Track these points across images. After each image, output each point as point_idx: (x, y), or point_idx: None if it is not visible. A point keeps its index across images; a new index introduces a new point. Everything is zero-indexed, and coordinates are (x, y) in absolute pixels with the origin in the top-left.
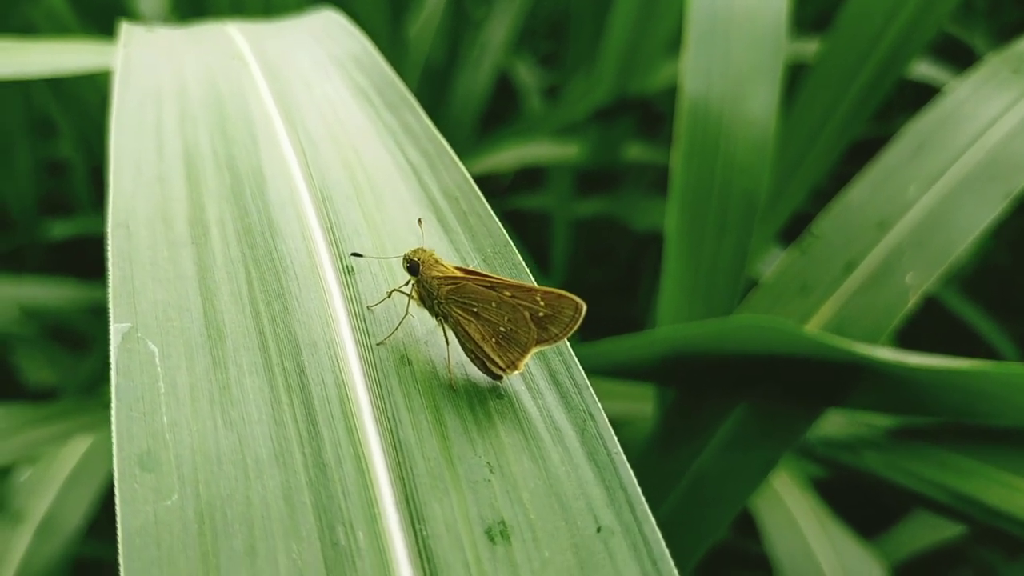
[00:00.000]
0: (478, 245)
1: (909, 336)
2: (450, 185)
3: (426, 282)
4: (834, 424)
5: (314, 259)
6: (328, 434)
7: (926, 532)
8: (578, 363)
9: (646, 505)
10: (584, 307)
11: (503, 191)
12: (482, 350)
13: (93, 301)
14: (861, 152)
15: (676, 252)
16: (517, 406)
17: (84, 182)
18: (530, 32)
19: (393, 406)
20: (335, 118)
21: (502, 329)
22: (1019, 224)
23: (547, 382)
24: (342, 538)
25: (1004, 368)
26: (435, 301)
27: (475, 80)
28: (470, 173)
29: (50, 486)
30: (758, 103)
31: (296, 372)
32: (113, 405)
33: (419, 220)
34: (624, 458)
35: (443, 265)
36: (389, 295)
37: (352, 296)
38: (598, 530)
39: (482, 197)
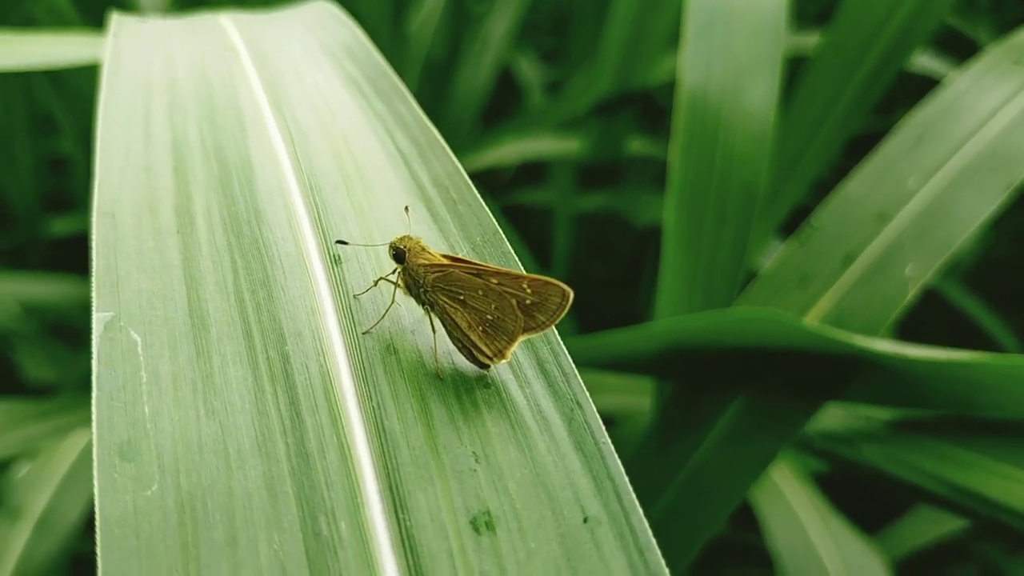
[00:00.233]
0: (467, 234)
1: (909, 329)
2: (440, 174)
3: (412, 270)
4: (833, 417)
5: (301, 248)
6: (312, 423)
7: (928, 527)
8: (566, 351)
9: (633, 495)
10: (571, 294)
11: (505, 186)
12: (469, 339)
13: None
14: (862, 146)
15: (675, 244)
16: (504, 395)
17: (85, 179)
18: (532, 27)
19: (378, 395)
20: (325, 107)
21: (489, 317)
22: (1020, 216)
23: (535, 371)
24: (324, 528)
25: (1004, 360)
26: (421, 289)
27: (476, 75)
28: (472, 168)
29: (49, 482)
30: (757, 95)
31: (280, 361)
32: (94, 394)
33: (406, 208)
34: (612, 447)
35: (429, 253)
36: (375, 283)
37: (338, 285)
38: (584, 520)
39: (472, 186)
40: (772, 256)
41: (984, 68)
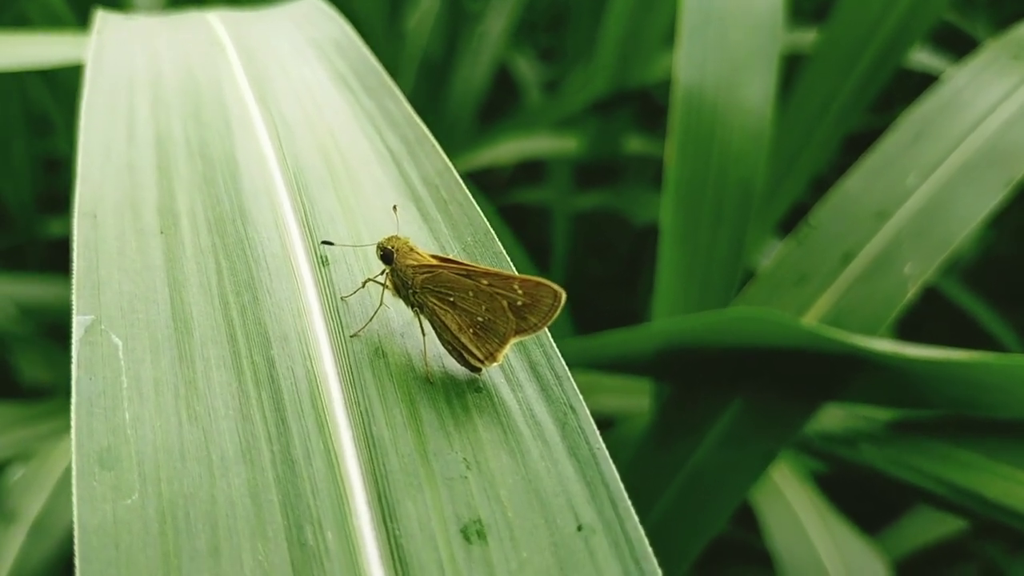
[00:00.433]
0: (458, 234)
1: (909, 327)
2: (430, 172)
3: (400, 271)
4: (832, 418)
5: (287, 248)
6: (297, 429)
7: (928, 527)
8: (559, 353)
9: (628, 502)
10: (563, 295)
11: (503, 185)
12: (459, 341)
13: None
14: (860, 144)
15: (671, 243)
16: (496, 399)
17: None
18: (530, 25)
19: (366, 400)
20: (313, 104)
21: (480, 319)
22: (1021, 213)
23: (527, 374)
24: (310, 538)
25: (1006, 360)
26: (410, 291)
27: (473, 73)
28: (469, 167)
29: (44, 485)
30: (754, 91)
31: (265, 365)
32: (73, 400)
33: (394, 207)
34: (606, 453)
35: (418, 253)
36: (363, 285)
37: (326, 287)
38: (578, 528)
39: (463, 185)
40: (770, 255)
41: (983, 64)
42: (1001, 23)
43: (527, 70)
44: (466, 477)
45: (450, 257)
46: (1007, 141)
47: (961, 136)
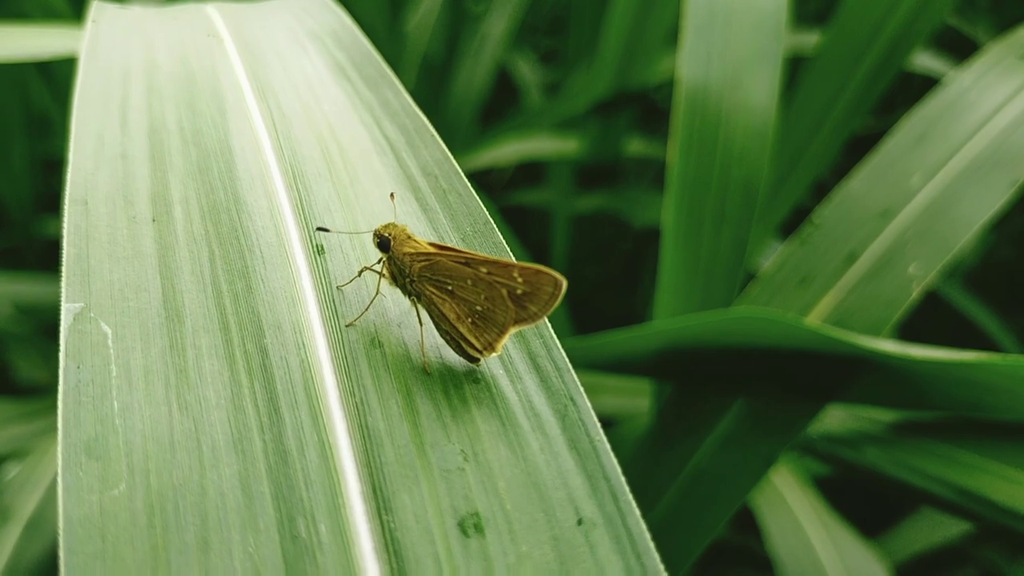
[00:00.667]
0: (457, 224)
1: (910, 330)
2: (429, 162)
3: (397, 259)
4: (835, 419)
5: (282, 237)
6: (291, 420)
7: (929, 531)
8: (559, 344)
9: (630, 496)
10: (565, 283)
11: (503, 186)
12: (457, 331)
13: None
14: (861, 147)
15: (674, 243)
16: (494, 390)
17: None
18: (531, 28)
19: (362, 391)
20: (310, 93)
21: (478, 308)
22: (1022, 218)
23: (526, 365)
24: (303, 530)
25: (1011, 361)
26: (407, 279)
27: (474, 74)
28: (469, 168)
29: (39, 483)
30: (758, 89)
31: (259, 355)
32: (60, 389)
33: (391, 195)
34: (607, 446)
35: (415, 241)
36: (360, 274)
37: (321, 275)
38: (579, 522)
39: (462, 175)
40: (771, 257)
41: (987, 64)
42: (1002, 26)
43: (527, 72)
44: (463, 469)
45: (448, 245)
46: (1012, 142)
47: (966, 137)
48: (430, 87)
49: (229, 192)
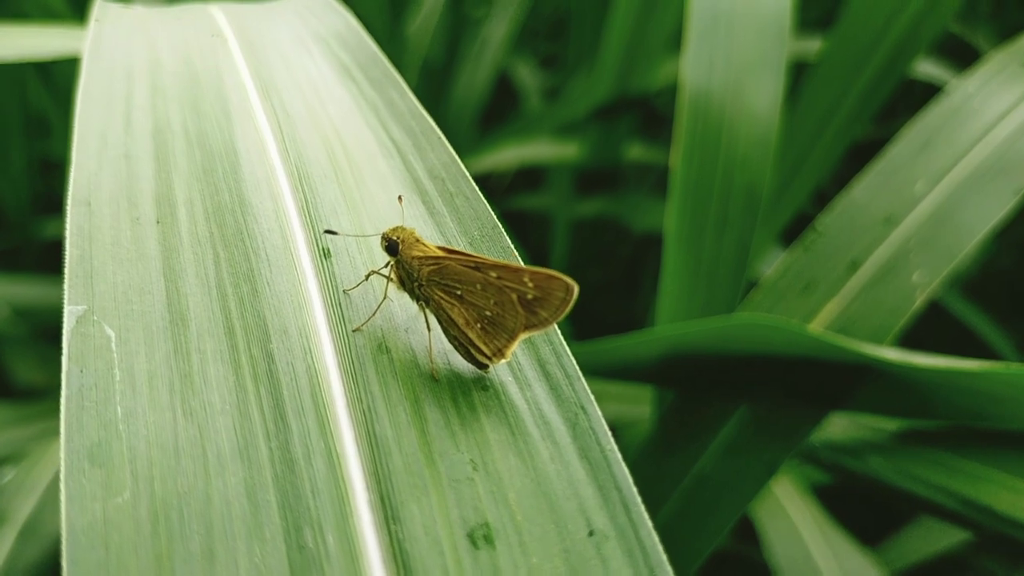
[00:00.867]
0: (465, 228)
1: (910, 338)
2: (436, 165)
3: (406, 263)
4: (838, 427)
5: (288, 240)
6: (297, 427)
7: (929, 539)
8: (569, 351)
9: (642, 507)
10: (576, 288)
11: (503, 191)
12: (466, 336)
13: None
14: (864, 154)
15: (676, 248)
16: (503, 398)
17: None
18: (531, 32)
19: (369, 397)
20: (315, 94)
21: (488, 313)
22: (1021, 226)
23: (536, 372)
24: (310, 540)
25: (1014, 369)
26: (416, 283)
27: (475, 78)
28: (469, 172)
29: (34, 487)
30: (761, 95)
31: (264, 360)
32: (63, 394)
33: (399, 198)
34: (619, 455)
35: (424, 244)
36: (367, 277)
37: (328, 279)
38: (590, 534)
39: (469, 178)
40: (772, 264)
41: (991, 71)
42: (1003, 32)
43: (528, 77)
44: (473, 479)
45: (457, 249)
46: (1017, 149)
47: (970, 144)
48: (430, 91)
49: (234, 194)
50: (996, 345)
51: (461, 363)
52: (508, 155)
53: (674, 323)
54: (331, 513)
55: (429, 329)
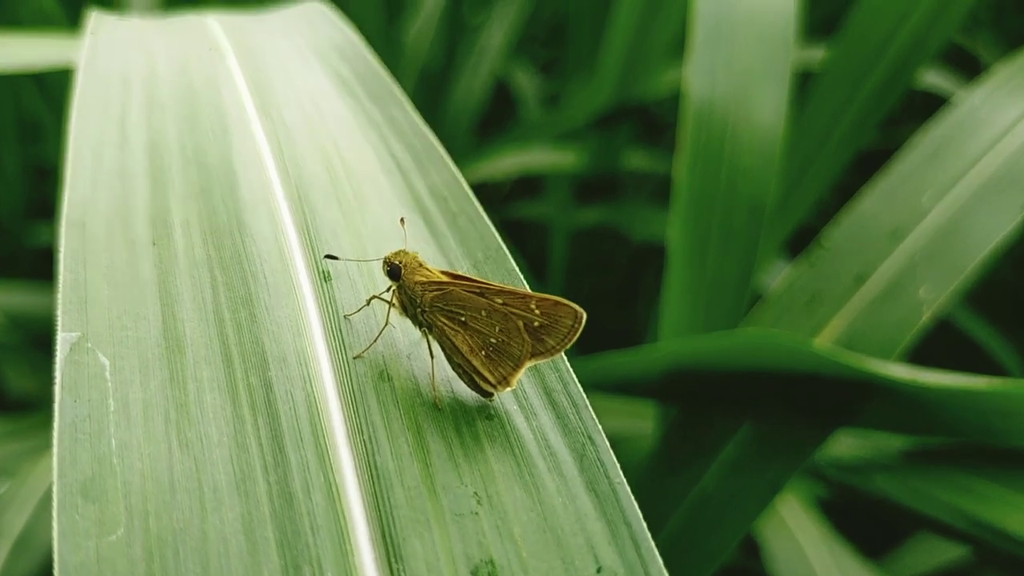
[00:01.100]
0: (468, 250)
1: (912, 350)
2: (438, 184)
3: (409, 288)
4: (843, 445)
5: (287, 263)
6: (296, 459)
7: (932, 552)
8: (576, 379)
9: (652, 543)
10: (584, 316)
11: (501, 200)
12: (470, 364)
13: None
14: (865, 163)
15: (679, 261)
16: (508, 428)
17: None
18: (529, 39)
19: (370, 427)
20: (315, 110)
21: (493, 340)
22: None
23: (542, 400)
24: None
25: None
26: (418, 309)
27: (472, 85)
28: (467, 180)
29: (28, 500)
30: (766, 104)
31: (262, 389)
32: (55, 425)
33: (402, 220)
34: (628, 489)
35: (427, 269)
36: (368, 303)
37: (328, 304)
38: (598, 571)
39: (473, 198)
40: (776, 277)
41: (998, 83)
42: (1003, 39)
43: (526, 83)
44: (477, 513)
45: (461, 274)
46: None
47: (978, 156)
48: (428, 97)
49: (232, 214)
50: (1000, 357)
51: (465, 391)
52: (506, 163)
53: (677, 338)
54: (331, 550)
55: (432, 356)
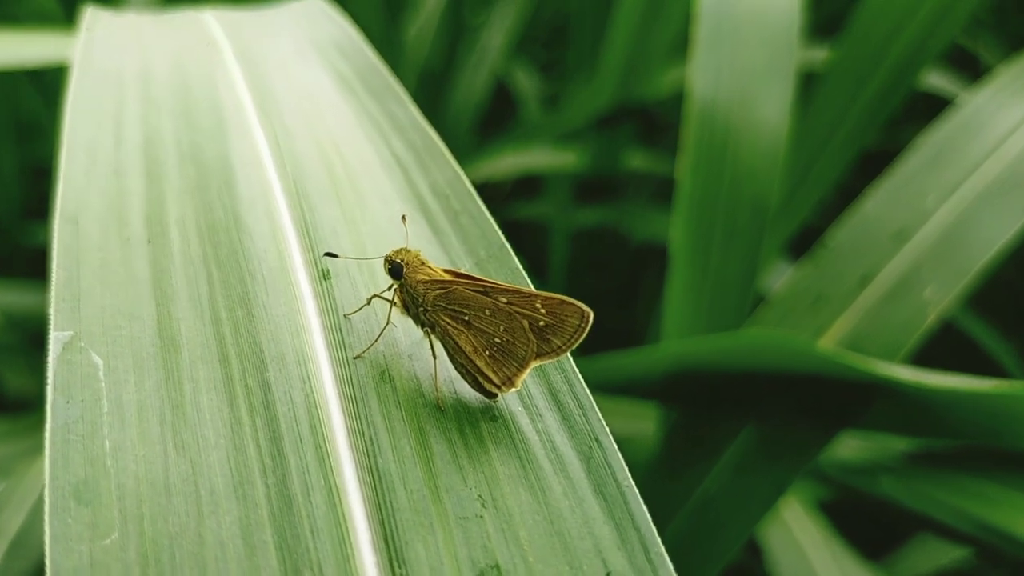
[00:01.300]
0: (470, 248)
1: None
2: (440, 182)
3: (410, 287)
4: (847, 447)
5: (285, 261)
6: (295, 462)
7: (932, 554)
8: (582, 380)
9: (662, 547)
10: (591, 315)
11: (501, 200)
12: (474, 364)
13: None
14: (866, 164)
15: (682, 261)
16: (513, 429)
17: None
18: (529, 39)
19: (371, 429)
20: (313, 106)
21: (497, 340)
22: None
23: (547, 401)
24: None
25: None
26: (421, 308)
27: (473, 85)
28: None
29: (24, 500)
30: (770, 104)
31: (260, 389)
32: (47, 426)
33: (403, 217)
34: (636, 492)
35: (430, 267)
36: (369, 302)
37: (327, 303)
38: (607, 575)
39: (475, 195)
40: (778, 278)
41: (1001, 85)
42: (1005, 40)
43: (526, 83)
44: (482, 516)
45: (464, 272)
46: None
47: (982, 157)
48: (428, 97)
49: (229, 211)
50: (1001, 358)
51: (468, 392)
52: (506, 163)
53: (680, 338)
54: (331, 554)
55: (435, 356)
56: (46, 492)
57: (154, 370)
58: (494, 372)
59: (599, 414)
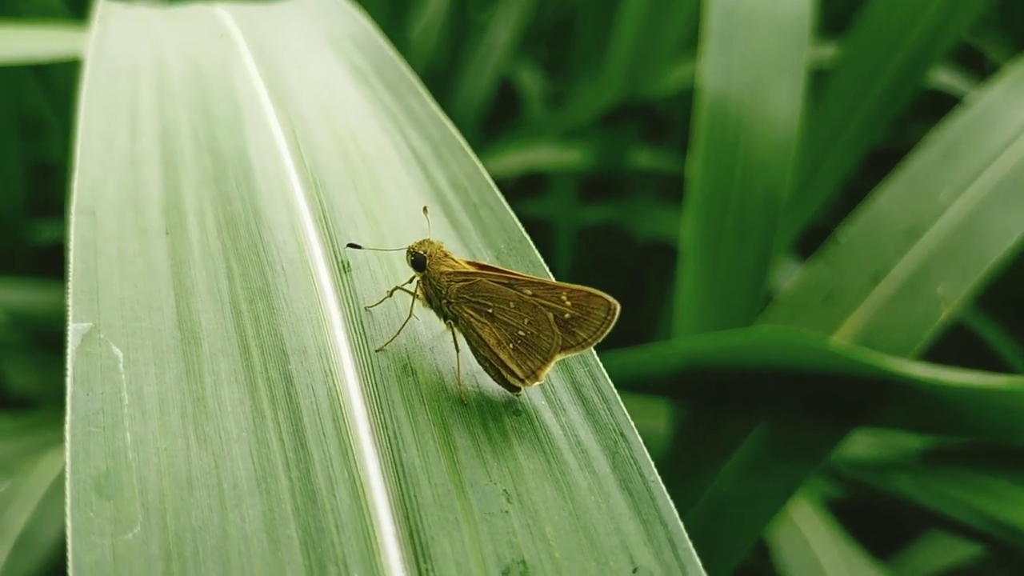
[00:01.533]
0: (490, 241)
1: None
2: (458, 175)
3: (433, 279)
4: (859, 444)
5: (305, 253)
6: (319, 455)
7: (941, 552)
8: (605, 373)
9: (690, 543)
10: (618, 308)
11: (507, 198)
12: (498, 357)
13: None
14: (874, 161)
15: (693, 257)
16: (537, 424)
17: None
18: (534, 37)
19: (395, 423)
20: (330, 99)
21: (521, 333)
22: None
23: (570, 396)
24: None
25: None
26: (444, 301)
27: (478, 83)
28: None
29: (29, 499)
30: (781, 99)
31: (282, 382)
32: (68, 419)
33: (424, 209)
34: (663, 488)
35: (453, 259)
36: (390, 294)
37: (348, 295)
38: (634, 572)
39: (494, 188)
40: (786, 276)
41: (1013, 82)
42: (1011, 40)
43: (531, 82)
44: (507, 511)
45: (487, 264)
46: None
47: (994, 154)
48: (433, 94)
49: (247, 203)
50: (1007, 356)
51: (491, 386)
52: (511, 161)
53: (691, 335)
54: (356, 549)
55: (458, 349)
56: (67, 485)
57: (175, 362)
58: (518, 365)
59: (623, 408)
